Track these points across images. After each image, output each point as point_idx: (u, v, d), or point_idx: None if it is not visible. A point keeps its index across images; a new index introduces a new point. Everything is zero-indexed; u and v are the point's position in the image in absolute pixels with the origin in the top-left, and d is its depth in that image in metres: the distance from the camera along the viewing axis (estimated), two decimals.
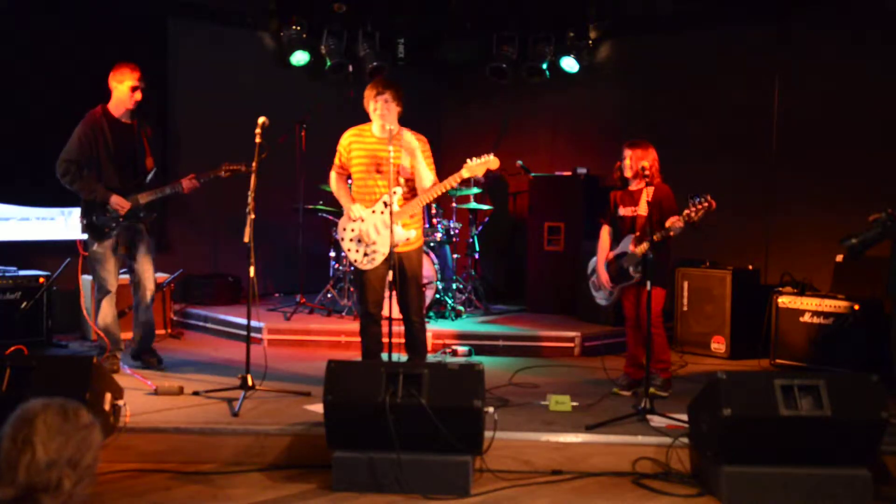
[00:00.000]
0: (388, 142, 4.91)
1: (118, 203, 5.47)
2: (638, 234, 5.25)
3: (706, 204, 4.89)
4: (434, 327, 6.96)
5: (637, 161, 5.28)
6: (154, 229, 5.85)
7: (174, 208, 7.78)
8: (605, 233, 5.53)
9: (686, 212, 4.95)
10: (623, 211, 5.42)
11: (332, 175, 5.27)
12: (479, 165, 4.99)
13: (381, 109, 5.00)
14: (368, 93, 5.07)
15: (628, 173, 5.36)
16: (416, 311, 5.17)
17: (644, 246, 5.09)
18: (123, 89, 5.51)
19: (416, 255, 5.18)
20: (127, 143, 5.59)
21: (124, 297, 6.08)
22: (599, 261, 5.51)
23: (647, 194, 5.08)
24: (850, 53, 6.95)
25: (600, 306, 7.03)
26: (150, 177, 5.64)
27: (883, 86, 6.78)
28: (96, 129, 5.49)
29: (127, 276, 5.87)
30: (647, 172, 5.13)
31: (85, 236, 5.66)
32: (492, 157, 4.99)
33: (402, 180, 5.06)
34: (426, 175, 5.04)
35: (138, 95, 5.54)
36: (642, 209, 5.26)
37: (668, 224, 5.05)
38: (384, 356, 5.16)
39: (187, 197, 6.09)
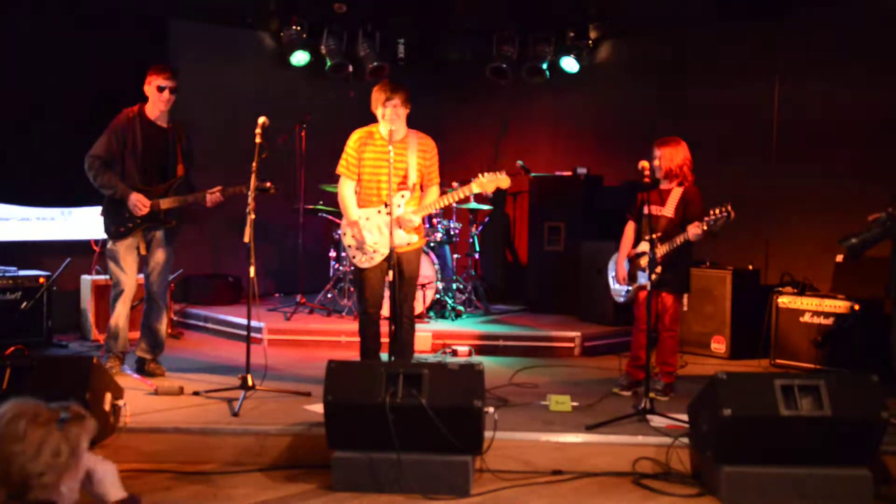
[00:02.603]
0: (390, 142, 4.92)
1: (138, 201, 5.36)
2: (659, 234, 5.16)
3: (725, 213, 4.84)
4: (434, 327, 6.97)
5: (667, 161, 5.21)
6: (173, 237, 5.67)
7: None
8: (629, 229, 5.47)
9: (706, 219, 4.91)
10: (648, 209, 5.29)
11: (343, 181, 5.15)
12: (490, 182, 4.95)
13: (390, 115, 4.96)
14: (377, 96, 5.00)
15: (659, 173, 5.25)
16: (409, 312, 5.14)
17: (658, 249, 5.03)
18: (151, 90, 5.46)
19: (415, 257, 5.17)
20: (157, 147, 5.50)
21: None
22: (620, 256, 5.46)
23: (675, 195, 5.08)
24: (849, 53, 6.95)
25: (600, 306, 7.11)
26: (178, 184, 5.53)
27: (883, 85, 6.78)
28: (126, 128, 5.42)
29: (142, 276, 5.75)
30: (676, 173, 5.15)
31: (104, 235, 5.59)
32: (504, 175, 4.95)
33: (412, 184, 5.03)
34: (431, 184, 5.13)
35: (167, 95, 5.44)
36: (667, 210, 5.23)
37: (688, 229, 5.00)
38: (383, 356, 5.16)
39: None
